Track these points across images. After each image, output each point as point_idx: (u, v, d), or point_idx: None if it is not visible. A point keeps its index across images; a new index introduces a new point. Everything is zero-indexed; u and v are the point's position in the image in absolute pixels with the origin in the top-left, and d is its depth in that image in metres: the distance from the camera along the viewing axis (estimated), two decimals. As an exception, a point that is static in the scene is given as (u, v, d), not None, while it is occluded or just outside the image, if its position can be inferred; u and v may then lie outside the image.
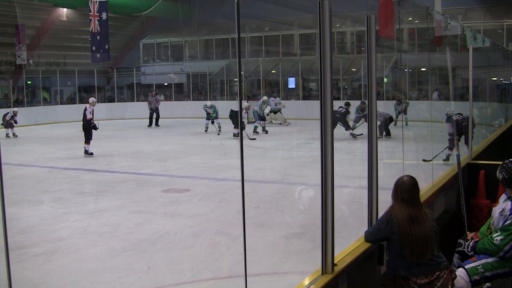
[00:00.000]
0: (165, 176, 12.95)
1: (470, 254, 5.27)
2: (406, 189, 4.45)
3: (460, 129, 11.61)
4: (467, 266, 5.08)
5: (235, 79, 33.98)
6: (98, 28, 21.19)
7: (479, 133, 12.83)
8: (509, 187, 5.32)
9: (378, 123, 16.83)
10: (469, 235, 5.63)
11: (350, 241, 4.76)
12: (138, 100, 35.93)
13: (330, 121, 3.89)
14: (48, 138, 22.49)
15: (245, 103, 23.78)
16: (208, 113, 22.49)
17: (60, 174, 13.46)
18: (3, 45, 29.92)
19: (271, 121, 26.28)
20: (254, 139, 20.03)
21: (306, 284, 3.91)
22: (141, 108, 33.58)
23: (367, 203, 4.95)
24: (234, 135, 20.53)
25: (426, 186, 6.89)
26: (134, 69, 37.44)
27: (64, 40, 34.06)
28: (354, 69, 31.74)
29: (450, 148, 12.34)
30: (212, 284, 6.22)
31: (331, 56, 3.89)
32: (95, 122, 16.24)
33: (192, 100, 34.97)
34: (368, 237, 4.65)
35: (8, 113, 22.41)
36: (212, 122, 22.25)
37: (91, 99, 16.91)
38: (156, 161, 15.32)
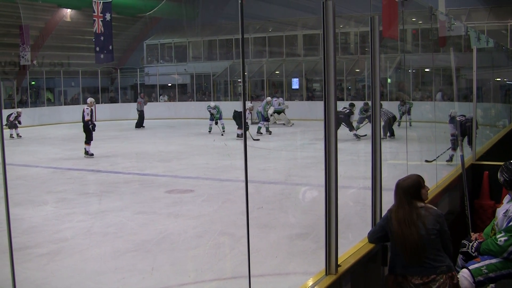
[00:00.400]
0: (169, 177, 12.96)
1: (474, 255, 5.26)
2: (402, 189, 4.49)
3: (464, 130, 11.59)
4: (471, 267, 5.06)
5: (239, 80, 33.98)
6: (102, 29, 21.18)
7: (483, 134, 12.81)
8: (511, 189, 5.31)
9: (382, 123, 16.82)
10: (473, 236, 5.62)
11: (354, 242, 4.76)
12: (142, 101, 35.99)
13: (334, 121, 3.89)
14: (52, 139, 22.53)
15: (248, 104, 23.82)
16: (211, 114, 22.49)
17: (64, 175, 13.48)
18: (7, 45, 29.95)
19: (275, 122, 26.28)
20: (258, 139, 20.03)
21: (310, 285, 3.91)
22: (145, 108, 33.65)
23: (370, 204, 4.95)
24: (238, 135, 20.53)
25: (430, 187, 6.88)
26: (138, 69, 37.46)
27: (68, 41, 34.08)
28: (358, 70, 31.70)
29: (454, 148, 12.32)
30: (216, 285, 6.22)
31: (335, 57, 3.89)
32: (94, 123, 16.26)
33: (196, 100, 35.01)
34: (371, 235, 4.68)
35: (12, 113, 22.45)
36: (216, 123, 22.27)
37: (89, 100, 16.92)
38: (160, 162, 15.33)
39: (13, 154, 16.94)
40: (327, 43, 3.85)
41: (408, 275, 4.37)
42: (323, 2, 3.83)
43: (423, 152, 12.78)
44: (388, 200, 4.73)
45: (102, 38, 20.92)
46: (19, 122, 22.48)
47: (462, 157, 7.62)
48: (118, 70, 36.67)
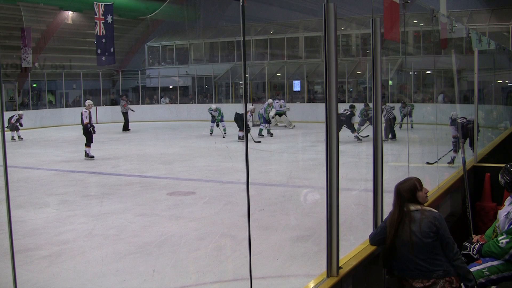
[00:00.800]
0: (170, 179, 12.96)
1: (475, 257, 5.26)
2: (398, 192, 4.53)
3: (465, 132, 11.59)
4: (472, 269, 5.06)
5: (240, 82, 34.00)
6: (104, 31, 21.23)
7: (484, 136, 12.81)
8: (512, 191, 5.32)
9: (383, 119, 16.81)
10: (475, 238, 5.61)
11: (355, 244, 4.76)
12: (143, 103, 36.03)
13: (335, 124, 3.89)
14: (54, 141, 22.55)
15: (250, 106, 23.80)
16: (213, 116, 22.49)
17: (65, 177, 13.49)
18: (9, 48, 30.00)
19: (276, 124, 26.28)
20: (259, 142, 20.04)
21: (311, 287, 3.91)
22: (146, 111, 33.69)
23: (372, 206, 4.95)
24: (239, 138, 20.53)
25: (431, 189, 6.88)
26: (139, 72, 37.50)
27: (69, 43, 34.14)
28: (359, 72, 31.71)
29: (455, 150, 12.32)
30: (218, 287, 6.22)
31: (336, 59, 3.89)
32: (93, 125, 16.25)
33: (197, 103, 35.03)
34: (372, 237, 4.68)
35: (13, 116, 22.46)
36: (217, 125, 22.26)
37: (87, 102, 16.87)
38: (161, 164, 15.33)
39: (15, 157, 16.95)
40: (328, 45, 3.86)
41: (409, 278, 4.38)
42: (324, 4, 3.83)
43: (425, 154, 12.78)
44: (389, 202, 4.73)
45: (103, 40, 20.97)
46: (21, 125, 22.48)
47: (464, 159, 7.62)
48: (120, 72, 36.72)
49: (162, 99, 36.33)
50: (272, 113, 23.42)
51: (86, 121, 16.02)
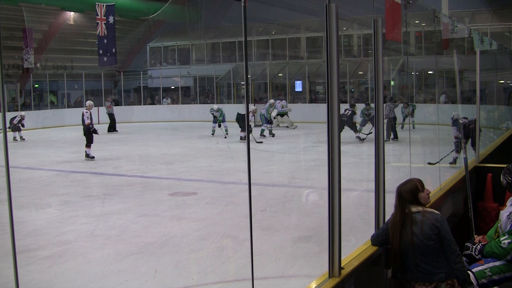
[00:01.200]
0: (172, 180, 12.96)
1: (477, 257, 5.26)
2: (399, 194, 4.51)
3: (467, 132, 11.60)
4: (474, 270, 5.06)
5: (242, 83, 33.99)
6: (105, 32, 21.21)
7: (486, 136, 12.81)
8: (515, 191, 5.32)
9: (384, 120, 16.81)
10: (477, 238, 5.61)
11: (357, 245, 4.76)
12: (145, 104, 36.05)
13: (337, 124, 3.89)
14: (55, 142, 22.57)
15: (252, 106, 23.80)
16: (215, 117, 22.49)
17: (67, 178, 13.50)
18: (11, 48, 30.02)
19: (278, 124, 26.28)
20: (261, 142, 20.03)
21: (313, 287, 3.91)
22: (148, 111, 33.71)
23: (374, 206, 4.94)
24: (241, 138, 20.53)
25: (433, 189, 6.88)
26: (141, 72, 37.54)
27: (71, 44, 34.17)
28: (361, 72, 31.71)
29: (457, 151, 12.33)
30: (219, 288, 6.22)
31: (338, 59, 3.89)
32: (95, 127, 16.24)
33: (199, 103, 35.03)
34: (374, 238, 4.68)
35: (16, 116, 22.46)
36: (219, 126, 22.25)
37: (88, 103, 16.85)
38: (163, 165, 15.33)
39: (17, 157, 16.96)
40: (330, 45, 3.86)
41: (411, 281, 4.36)
42: (326, 5, 3.83)
43: (427, 155, 12.78)
44: (391, 203, 4.73)
45: (105, 41, 20.95)
46: (23, 125, 22.49)
47: (466, 159, 7.62)
48: (121, 73, 36.74)
49: (164, 99, 36.34)
50: (273, 113, 23.43)
51: (87, 121, 16.01)
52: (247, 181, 3.88)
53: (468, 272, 4.93)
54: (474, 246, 5.37)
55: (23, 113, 23.24)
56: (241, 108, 25.24)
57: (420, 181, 4.55)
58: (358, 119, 20.22)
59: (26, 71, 30.74)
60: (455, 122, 12.44)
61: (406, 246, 4.34)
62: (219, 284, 6.29)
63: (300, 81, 33.52)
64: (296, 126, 26.26)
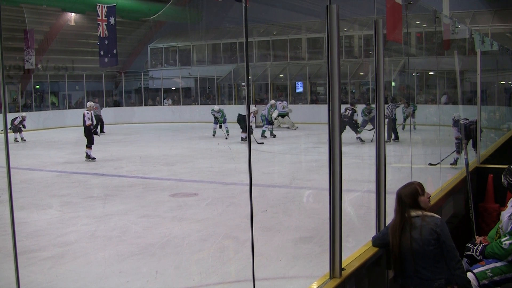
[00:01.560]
0: (173, 180, 12.95)
1: (478, 258, 5.25)
2: (398, 198, 4.46)
3: (468, 133, 11.59)
4: (475, 271, 5.05)
5: (243, 83, 33.98)
6: (106, 33, 21.22)
7: (487, 137, 12.80)
8: (516, 192, 5.32)
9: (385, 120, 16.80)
10: (478, 239, 5.61)
11: (358, 245, 4.75)
12: (146, 105, 36.07)
13: (338, 125, 3.89)
14: (57, 143, 22.57)
15: (253, 107, 23.79)
16: (215, 118, 22.48)
17: (68, 178, 13.50)
18: (12, 49, 30.03)
19: (279, 125, 26.28)
20: (262, 143, 20.02)
21: (314, 288, 3.91)
22: (149, 112, 33.72)
23: (375, 207, 4.94)
24: (242, 139, 20.53)
25: (434, 190, 6.88)
26: (142, 73, 37.57)
27: (72, 45, 34.20)
28: (362, 73, 31.71)
29: (458, 152, 12.33)
30: (220, 288, 6.22)
31: (339, 60, 3.89)
32: (96, 128, 16.23)
33: (200, 104, 35.04)
34: (374, 241, 4.67)
35: (17, 117, 22.48)
36: (220, 127, 22.24)
37: (89, 104, 16.85)
38: (164, 165, 15.33)
39: (18, 158, 16.98)
40: (331, 46, 3.86)
41: (411, 286, 4.34)
42: (327, 6, 3.83)
43: (427, 156, 12.78)
44: (392, 204, 4.73)
45: (106, 42, 20.96)
46: (24, 126, 22.50)
47: (467, 160, 7.62)
48: (122, 74, 36.77)
49: (165, 100, 36.36)
50: (274, 114, 23.43)
51: (88, 122, 16.02)
52: (248, 182, 3.88)
53: (469, 276, 4.94)
54: (475, 247, 5.37)
55: (24, 114, 23.25)
56: (242, 109, 25.24)
57: (420, 185, 4.49)
58: (358, 118, 20.20)
59: (27, 72, 30.75)
60: (456, 123, 12.44)
61: (405, 251, 4.31)
62: (220, 285, 6.29)
63: (301, 82, 33.54)
64: (297, 127, 26.26)
